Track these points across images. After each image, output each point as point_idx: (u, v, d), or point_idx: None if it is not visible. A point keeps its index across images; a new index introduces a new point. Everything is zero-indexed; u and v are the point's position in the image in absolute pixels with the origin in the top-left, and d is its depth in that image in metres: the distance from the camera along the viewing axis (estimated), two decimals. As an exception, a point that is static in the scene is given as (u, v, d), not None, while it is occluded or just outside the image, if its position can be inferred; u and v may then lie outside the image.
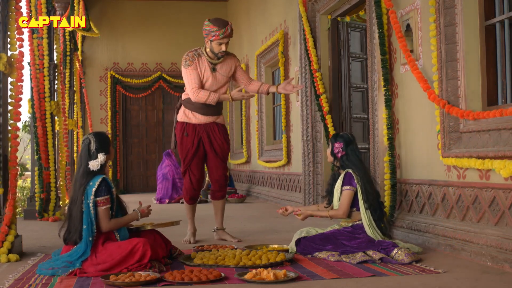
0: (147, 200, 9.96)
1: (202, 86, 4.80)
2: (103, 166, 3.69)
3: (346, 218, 4.17)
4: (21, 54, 4.44)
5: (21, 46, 4.47)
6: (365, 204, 4.07)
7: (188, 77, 4.76)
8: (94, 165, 3.64)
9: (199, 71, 4.76)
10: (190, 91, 4.76)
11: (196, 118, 4.88)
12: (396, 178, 4.84)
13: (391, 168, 4.85)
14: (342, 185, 4.16)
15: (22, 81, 4.45)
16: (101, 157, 3.65)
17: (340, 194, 4.16)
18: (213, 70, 4.81)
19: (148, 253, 3.49)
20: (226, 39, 4.68)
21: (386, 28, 4.93)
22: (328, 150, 4.36)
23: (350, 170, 4.16)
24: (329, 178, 4.46)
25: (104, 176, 3.66)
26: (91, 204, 3.56)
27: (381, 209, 4.16)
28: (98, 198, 3.58)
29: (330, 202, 4.34)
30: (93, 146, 3.67)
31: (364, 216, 4.05)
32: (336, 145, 4.24)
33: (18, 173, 4.38)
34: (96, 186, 3.58)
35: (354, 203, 4.14)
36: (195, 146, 4.88)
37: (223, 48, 4.70)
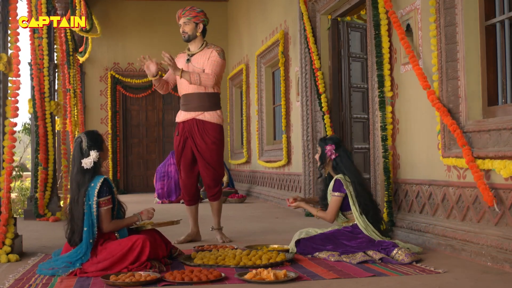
0: (148, 200, 9.97)
1: (173, 81, 5.09)
2: (97, 164, 3.64)
3: (335, 222, 4.21)
4: (17, 49, 4.31)
5: (17, 46, 4.41)
6: (359, 208, 4.06)
7: None
8: (87, 162, 3.60)
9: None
10: None
11: (181, 115, 4.89)
12: (396, 178, 4.84)
13: (391, 168, 4.85)
14: (332, 190, 4.15)
15: (19, 75, 4.32)
16: (93, 154, 3.61)
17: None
18: (187, 61, 4.92)
19: (147, 249, 3.49)
20: (182, 19, 4.89)
21: (386, 28, 4.93)
22: (317, 156, 4.31)
23: (340, 177, 4.13)
24: (321, 184, 4.39)
25: (105, 176, 3.64)
26: (94, 205, 3.54)
27: (376, 210, 4.14)
28: (100, 199, 3.57)
29: (325, 207, 4.31)
30: (84, 144, 3.64)
31: (358, 220, 4.04)
32: (328, 147, 4.20)
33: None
34: (98, 187, 3.56)
35: (348, 207, 4.12)
36: (181, 146, 4.86)
37: (181, 29, 4.91)
